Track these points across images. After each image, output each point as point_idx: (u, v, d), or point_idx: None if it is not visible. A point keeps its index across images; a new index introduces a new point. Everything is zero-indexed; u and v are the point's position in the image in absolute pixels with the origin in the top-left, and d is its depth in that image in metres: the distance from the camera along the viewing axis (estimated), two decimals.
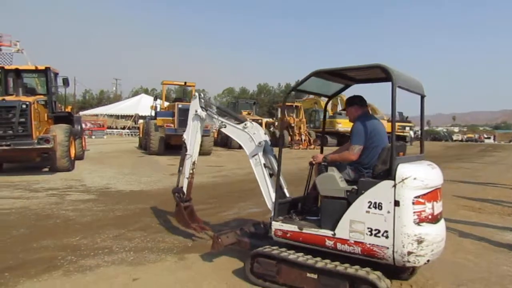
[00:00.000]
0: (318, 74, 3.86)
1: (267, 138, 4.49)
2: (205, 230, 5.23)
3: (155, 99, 21.85)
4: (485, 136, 64.01)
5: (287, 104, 29.66)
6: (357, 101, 4.22)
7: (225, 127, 4.82)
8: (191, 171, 5.17)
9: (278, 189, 4.06)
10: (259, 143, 4.38)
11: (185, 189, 5.23)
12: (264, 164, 4.31)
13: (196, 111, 5.10)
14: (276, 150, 4.42)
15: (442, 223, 3.56)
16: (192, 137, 5.20)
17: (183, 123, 16.02)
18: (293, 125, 26.46)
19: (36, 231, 5.56)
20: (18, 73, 12.78)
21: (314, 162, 4.20)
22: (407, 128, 40.31)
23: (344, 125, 29.97)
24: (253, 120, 19.60)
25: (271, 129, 27.51)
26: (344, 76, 4.29)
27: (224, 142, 23.51)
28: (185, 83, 19.61)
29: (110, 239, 5.25)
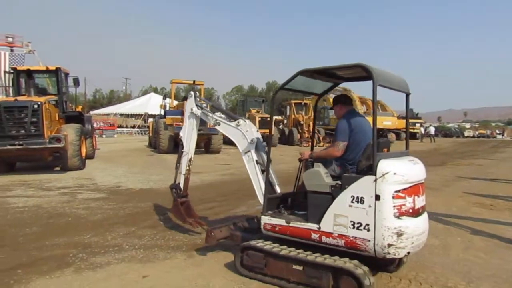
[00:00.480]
0: (304, 73, 3.99)
1: (259, 135, 4.61)
2: (201, 225, 5.32)
3: (164, 98, 21.98)
4: (497, 132, 63.17)
5: (296, 101, 29.65)
6: (342, 100, 4.40)
7: (219, 124, 4.94)
8: (187, 168, 5.33)
9: (268, 184, 4.20)
10: (252, 140, 4.52)
11: (182, 185, 5.41)
12: (257, 161, 4.45)
13: (191, 109, 5.26)
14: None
15: (424, 217, 3.68)
16: (188, 134, 5.34)
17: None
18: (302, 122, 26.42)
19: (48, 229, 5.65)
20: (29, 73, 12.97)
21: (302, 159, 4.35)
22: (417, 125, 39.98)
23: None
24: (262, 118, 19.64)
25: (280, 126, 27.51)
26: (331, 74, 4.42)
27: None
28: (194, 81, 19.68)
29: (120, 237, 5.32)
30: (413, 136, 38.97)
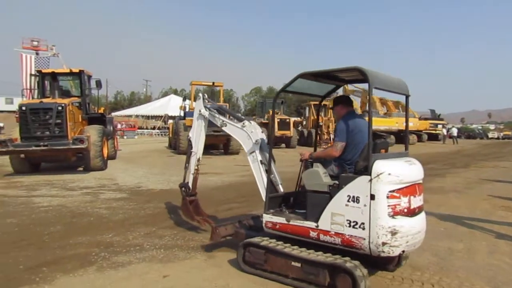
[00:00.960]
0: (304, 76, 4.13)
1: (264, 136, 4.76)
2: (209, 222, 5.38)
3: (184, 99, 22.17)
4: None
5: (315, 103, 29.46)
6: (342, 101, 4.45)
7: (225, 125, 5.10)
8: (196, 167, 5.50)
9: (270, 184, 4.36)
10: (256, 141, 4.66)
11: (190, 184, 5.55)
12: (261, 161, 4.58)
13: (200, 111, 5.41)
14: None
15: (420, 216, 3.75)
16: (196, 135, 5.50)
17: (211, 123, 16.20)
18: (321, 124, 26.25)
19: (71, 228, 5.77)
20: (54, 76, 13.29)
21: (302, 159, 4.44)
22: (439, 126, 39.20)
23: (373, 123, 29.38)
24: (281, 119, 19.70)
25: (299, 128, 27.41)
26: (331, 77, 4.49)
27: None
28: (213, 83, 19.80)
29: (141, 236, 5.39)
30: (435, 137, 38.26)
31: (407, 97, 4.31)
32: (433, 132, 38.50)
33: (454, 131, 38.30)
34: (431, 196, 8.68)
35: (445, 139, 36.94)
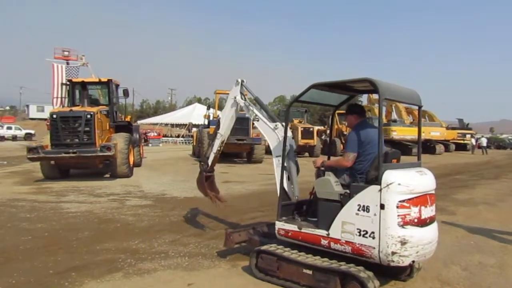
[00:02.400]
0: (316, 86, 4.22)
1: (293, 142, 4.66)
2: (220, 200, 5.72)
3: (208, 108, 22.40)
4: None
5: (339, 112, 29.23)
6: (357, 111, 4.45)
7: (257, 121, 4.99)
8: (219, 148, 5.57)
9: (283, 191, 4.44)
10: (286, 146, 4.54)
11: (210, 162, 5.68)
12: (285, 167, 4.54)
13: (235, 97, 5.30)
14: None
15: (432, 227, 3.74)
16: (226, 119, 5.45)
17: (235, 131, 16.31)
18: (345, 133, 25.96)
19: (99, 234, 5.89)
20: (84, 85, 13.68)
21: (315, 166, 4.46)
22: (468, 136, 38.14)
23: (399, 132, 28.99)
24: (305, 128, 19.62)
25: (323, 137, 27.18)
26: (344, 87, 4.57)
27: None
28: None
29: (166, 244, 5.45)
30: (463, 147, 37.23)
31: (419, 107, 4.39)
32: (461, 142, 37.48)
33: (484, 141, 37.12)
34: (459, 208, 8.45)
35: (474, 149, 35.88)
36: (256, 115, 5.01)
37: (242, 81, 5.30)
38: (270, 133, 4.82)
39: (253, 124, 5.38)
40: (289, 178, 4.52)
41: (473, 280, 4.26)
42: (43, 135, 17.38)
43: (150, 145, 34.75)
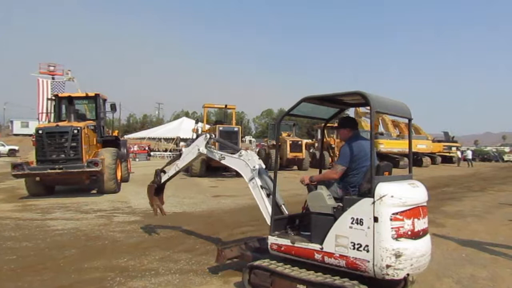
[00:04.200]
0: (308, 100, 4.22)
1: (261, 162, 4.93)
2: (162, 212, 6.36)
3: (197, 122, 22.34)
4: None
5: (328, 125, 29.44)
6: (350, 124, 4.48)
7: (224, 159, 5.30)
8: (173, 174, 6.16)
9: (275, 206, 4.41)
10: (254, 167, 4.83)
11: (163, 180, 6.24)
12: (261, 186, 4.70)
13: (199, 148, 5.67)
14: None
15: (425, 239, 3.71)
16: (187, 158, 5.90)
17: (222, 146, 16.28)
18: (333, 146, 26.13)
19: (86, 252, 5.75)
20: (70, 100, 13.49)
21: (303, 183, 4.44)
22: (454, 148, 38.72)
23: (386, 145, 29.26)
24: (293, 141, 19.78)
25: (311, 150, 27.28)
26: (335, 100, 4.60)
27: (264, 163, 23.46)
28: (226, 106, 19.98)
29: (156, 260, 5.34)
30: (449, 160, 37.73)
31: (409, 120, 4.46)
32: (447, 154, 38.01)
33: (469, 154, 37.75)
34: (448, 220, 8.51)
35: (459, 161, 36.39)
36: (221, 154, 5.37)
37: (211, 134, 5.77)
38: (236, 162, 5.08)
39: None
40: (269, 195, 4.59)
41: None
42: (27, 151, 17.06)
43: (137, 159, 34.39)
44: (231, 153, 5.25)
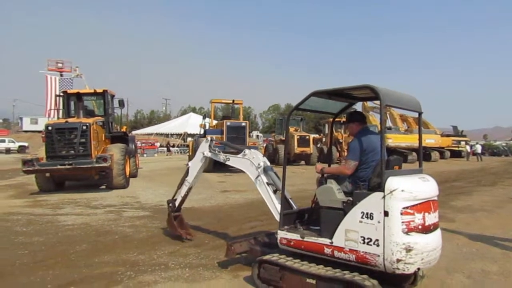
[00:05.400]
0: (317, 94, 4.22)
1: (265, 159, 5.01)
2: (190, 236, 6.13)
3: (204, 117, 22.40)
4: None
5: (336, 120, 29.34)
6: (358, 118, 4.47)
7: (228, 160, 5.43)
8: (186, 193, 6.05)
9: (284, 201, 4.43)
10: (258, 164, 4.91)
11: (177, 203, 6.14)
12: (267, 183, 4.78)
13: (203, 153, 5.78)
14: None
15: (436, 234, 3.71)
16: (195, 168, 5.96)
17: (232, 140, 16.30)
18: (341, 140, 26.05)
19: (97, 247, 5.80)
20: (79, 96, 13.61)
21: (316, 171, 4.50)
22: (463, 143, 38.36)
23: (394, 140, 29.09)
24: (301, 136, 19.71)
25: (319, 145, 27.22)
26: (344, 94, 4.58)
27: (272, 158, 23.53)
28: (233, 101, 19.98)
29: (165, 255, 5.37)
30: (458, 154, 37.41)
31: (420, 114, 4.41)
32: (456, 149, 37.68)
33: (478, 148, 37.36)
34: (457, 215, 8.45)
35: (468, 156, 36.06)
36: (225, 156, 5.50)
37: (212, 138, 5.92)
38: (241, 162, 5.16)
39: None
40: (275, 191, 4.65)
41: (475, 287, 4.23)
42: (37, 147, 17.25)
43: (145, 155, 34.60)
44: (235, 154, 5.30)
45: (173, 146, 47.88)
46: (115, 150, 12.00)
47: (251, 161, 4.99)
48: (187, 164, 6.14)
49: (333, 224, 3.77)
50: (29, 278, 4.48)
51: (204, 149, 5.82)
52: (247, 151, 5.11)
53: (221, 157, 5.56)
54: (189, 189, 6.02)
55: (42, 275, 4.58)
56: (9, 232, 6.72)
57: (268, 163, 4.99)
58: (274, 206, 4.57)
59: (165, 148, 44.16)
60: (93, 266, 4.91)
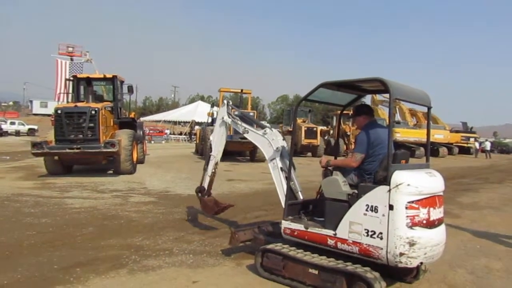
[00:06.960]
0: (325, 85, 4.19)
1: (285, 144, 4.86)
2: (230, 205, 5.93)
3: (212, 106, 22.36)
4: None
5: (344, 112, 29.18)
6: (366, 111, 4.43)
7: (247, 132, 5.23)
8: (213, 170, 5.76)
9: (289, 191, 4.45)
10: (277, 148, 4.78)
11: (206, 185, 5.82)
12: (281, 168, 4.69)
13: (223, 118, 5.57)
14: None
15: (440, 229, 3.71)
16: (217, 140, 5.72)
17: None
18: (349, 133, 25.94)
19: (103, 230, 5.89)
20: (89, 81, 13.63)
21: (321, 165, 4.48)
22: (471, 140, 37.98)
23: (403, 134, 28.90)
24: (308, 128, 19.59)
25: (326, 137, 27.12)
26: (353, 87, 4.56)
27: None
28: (242, 90, 19.93)
29: (170, 241, 5.44)
30: (466, 151, 37.09)
31: (429, 108, 4.39)
32: (465, 145, 37.34)
33: (488, 145, 36.96)
34: (463, 211, 8.41)
35: (477, 153, 35.73)
36: (245, 127, 5.27)
37: (228, 101, 5.64)
38: (260, 139, 5.01)
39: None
40: (286, 178, 4.60)
41: (480, 284, 4.24)
42: (46, 130, 17.39)
43: (152, 142, 34.78)
44: (256, 129, 5.13)
45: (181, 133, 48.03)
46: (123, 136, 12.07)
47: (269, 142, 4.87)
48: (209, 139, 5.91)
49: (338, 216, 3.79)
50: (37, 258, 4.57)
51: (223, 114, 5.59)
52: (268, 130, 4.97)
53: (240, 127, 5.33)
54: (216, 164, 5.73)
55: (49, 256, 4.67)
56: (18, 213, 6.83)
57: (287, 148, 4.84)
58: (283, 192, 4.55)
59: (186, 136, 43.58)
60: (98, 249, 4.99)
